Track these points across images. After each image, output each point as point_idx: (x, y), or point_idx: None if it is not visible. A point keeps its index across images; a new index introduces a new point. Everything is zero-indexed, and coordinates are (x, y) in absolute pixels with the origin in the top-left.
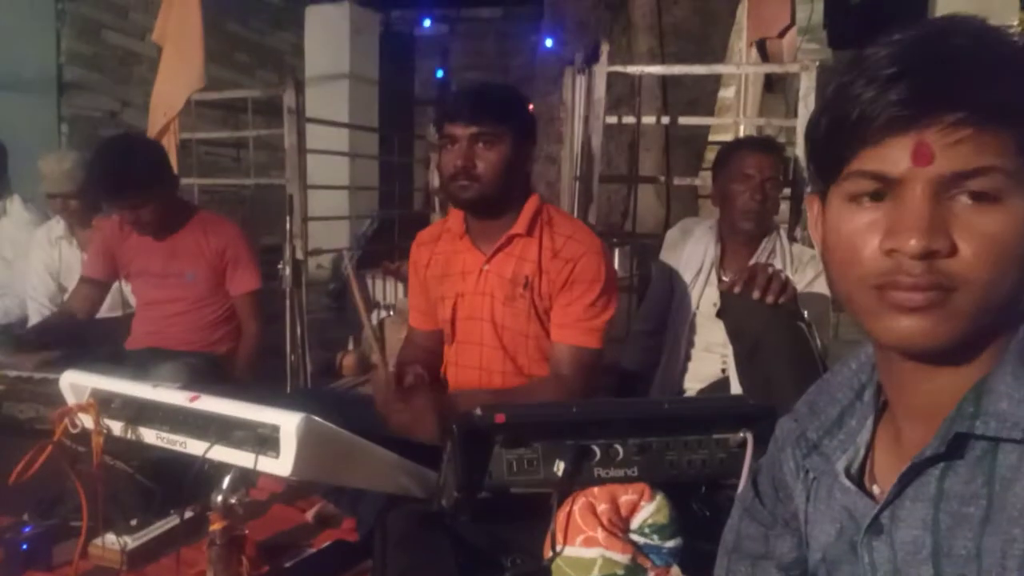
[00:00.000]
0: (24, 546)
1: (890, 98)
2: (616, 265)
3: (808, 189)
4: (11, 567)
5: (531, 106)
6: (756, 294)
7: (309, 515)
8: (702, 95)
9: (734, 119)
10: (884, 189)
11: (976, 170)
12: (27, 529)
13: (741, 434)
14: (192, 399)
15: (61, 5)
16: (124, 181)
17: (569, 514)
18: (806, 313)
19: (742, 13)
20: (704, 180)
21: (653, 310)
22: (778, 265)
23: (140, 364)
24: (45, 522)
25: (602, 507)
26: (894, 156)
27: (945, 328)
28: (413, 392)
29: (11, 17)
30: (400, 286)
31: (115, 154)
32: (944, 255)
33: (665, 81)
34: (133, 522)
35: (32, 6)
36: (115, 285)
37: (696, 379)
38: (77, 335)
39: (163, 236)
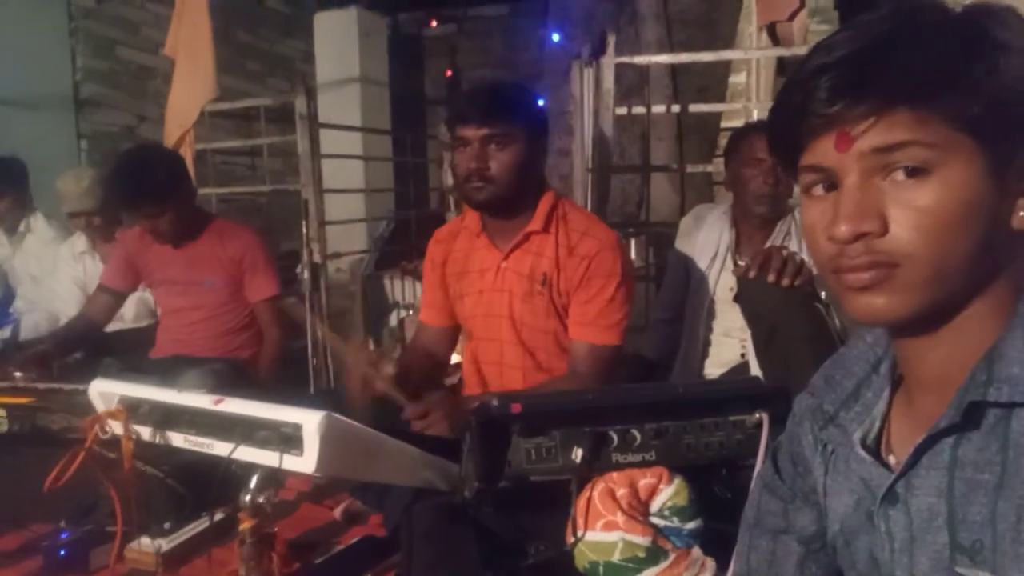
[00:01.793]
0: (62, 552)
1: (817, 96)
2: (632, 255)
3: None
4: (50, 573)
5: (541, 102)
6: (771, 277)
7: (337, 512)
8: (713, 82)
9: (744, 104)
10: (831, 179)
11: (894, 145)
12: (64, 535)
13: (757, 415)
14: (216, 402)
15: (74, 23)
16: (142, 191)
17: (589, 500)
18: (823, 294)
19: None
20: (718, 167)
21: (670, 298)
22: (793, 247)
23: (165, 372)
24: (81, 528)
25: (621, 491)
26: (824, 148)
27: (900, 301)
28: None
29: (26, 37)
30: (418, 285)
31: (133, 165)
32: (877, 235)
33: (675, 69)
34: (166, 525)
35: (46, 25)
36: (142, 295)
37: (716, 364)
38: (104, 346)
39: (181, 245)
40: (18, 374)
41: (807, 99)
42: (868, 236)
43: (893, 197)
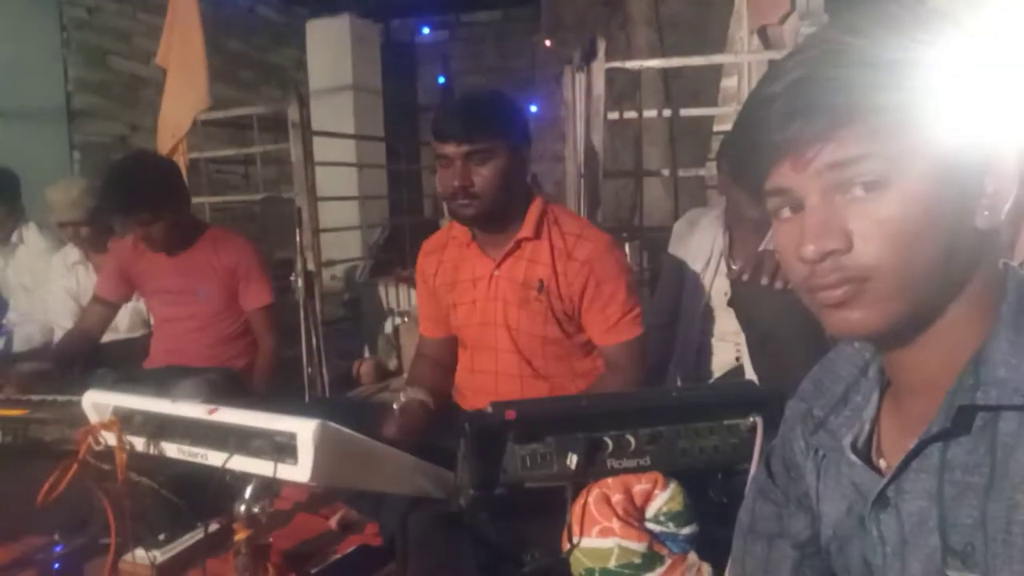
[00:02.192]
0: (56, 565)
1: (771, 122)
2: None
3: None
4: None
5: (533, 108)
6: (765, 281)
7: (333, 522)
8: (704, 86)
9: (736, 108)
10: (793, 201)
11: (847, 160)
12: (58, 548)
13: (751, 419)
14: (211, 412)
15: (66, 34)
16: (136, 198)
17: (584, 506)
18: None
19: (741, 1)
20: (710, 170)
21: (665, 302)
22: None
23: (159, 382)
24: (75, 540)
25: (616, 497)
26: (783, 171)
27: (874, 314)
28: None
29: (18, 48)
30: (413, 292)
31: (128, 172)
32: (844, 251)
33: (666, 74)
34: (161, 537)
35: (38, 36)
36: (135, 305)
37: (711, 368)
38: (98, 357)
39: (175, 253)
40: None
41: (762, 126)
42: (835, 253)
43: (854, 212)
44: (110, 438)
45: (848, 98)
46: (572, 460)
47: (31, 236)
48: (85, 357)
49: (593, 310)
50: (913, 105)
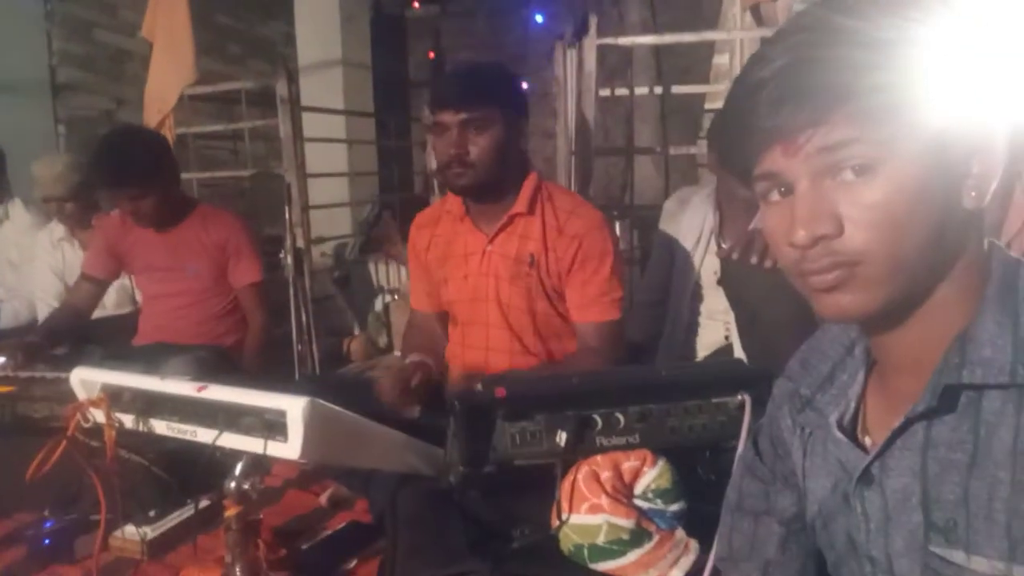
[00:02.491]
0: (46, 541)
1: (760, 108)
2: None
3: None
4: (35, 562)
5: (524, 84)
6: (754, 259)
7: (323, 499)
8: (696, 63)
9: (728, 85)
10: (785, 184)
11: (837, 144)
12: (48, 524)
13: (739, 397)
14: (199, 389)
15: (50, 6)
16: (125, 173)
17: (573, 483)
18: None
19: None
20: (701, 148)
21: (655, 281)
22: None
23: (149, 359)
24: (65, 517)
25: (605, 474)
26: (773, 155)
27: (866, 298)
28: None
29: (0, 21)
30: (403, 270)
31: (117, 145)
32: (834, 236)
33: (658, 51)
34: (151, 513)
35: (20, 8)
36: (122, 282)
37: (700, 347)
38: (86, 334)
39: (164, 229)
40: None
41: (752, 112)
42: (826, 238)
43: (844, 197)
44: (99, 415)
45: (838, 80)
46: (561, 438)
47: (17, 212)
48: (74, 334)
49: (574, 284)
50: (904, 87)
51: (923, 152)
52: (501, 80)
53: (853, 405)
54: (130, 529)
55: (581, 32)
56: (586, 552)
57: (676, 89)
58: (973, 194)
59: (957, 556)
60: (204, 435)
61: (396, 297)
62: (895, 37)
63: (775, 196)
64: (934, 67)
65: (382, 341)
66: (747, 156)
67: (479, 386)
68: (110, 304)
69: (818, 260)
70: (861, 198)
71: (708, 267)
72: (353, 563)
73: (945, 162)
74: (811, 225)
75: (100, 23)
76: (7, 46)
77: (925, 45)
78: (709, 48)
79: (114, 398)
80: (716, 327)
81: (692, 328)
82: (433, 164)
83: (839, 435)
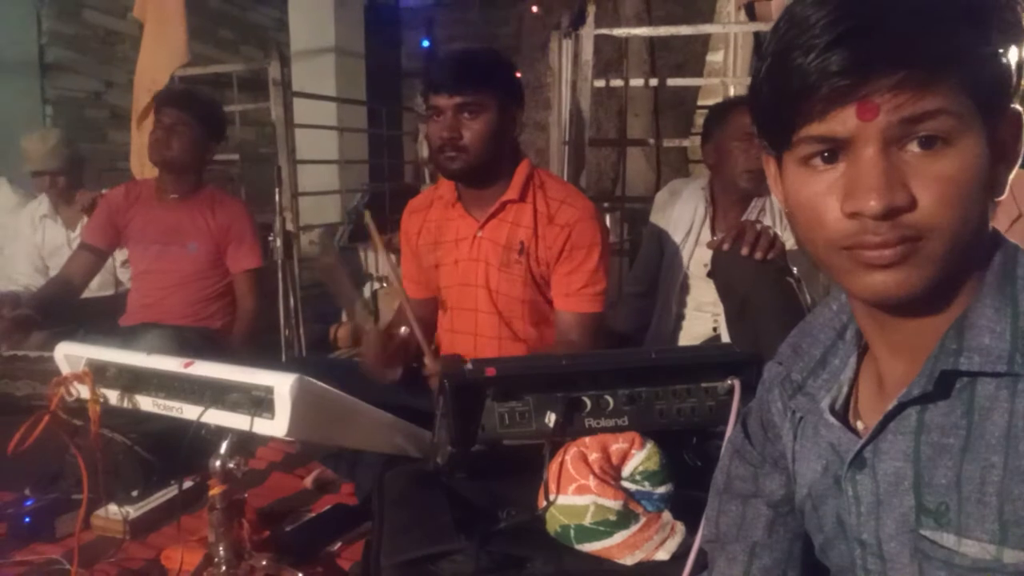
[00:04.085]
0: (27, 519)
1: (831, 69)
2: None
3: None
4: (15, 540)
5: (518, 73)
6: (745, 250)
7: (308, 481)
8: (690, 59)
9: (722, 80)
10: (836, 149)
11: (924, 114)
12: (29, 503)
13: (729, 381)
14: (186, 365)
15: None
16: (192, 97)
17: (561, 464)
18: (795, 269)
19: None
20: (694, 143)
21: (644, 272)
22: (767, 223)
23: (134, 338)
24: (47, 496)
25: (593, 456)
26: (841, 116)
27: (919, 276)
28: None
29: None
30: (392, 258)
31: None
32: (906, 208)
33: (653, 46)
34: (134, 493)
35: None
36: (107, 264)
37: (688, 339)
38: (70, 314)
39: (171, 198)
40: None
41: (823, 64)
42: (897, 212)
43: (916, 169)
44: (83, 390)
45: (947, 45)
46: (550, 419)
47: (2, 191)
48: (65, 306)
49: (559, 273)
50: (986, 66)
51: (984, 133)
52: (497, 66)
53: (845, 390)
54: (112, 508)
55: (578, 22)
56: (572, 533)
57: (671, 82)
58: (1000, 180)
59: (948, 539)
60: (190, 412)
61: (384, 285)
62: (985, 13)
63: (818, 162)
64: (1003, 51)
65: (369, 328)
66: (793, 117)
67: (469, 365)
68: (94, 286)
69: (884, 233)
70: (933, 171)
71: (698, 259)
72: (337, 545)
73: (997, 142)
74: (887, 194)
75: (90, 3)
76: None
77: (1000, 28)
78: (703, 45)
79: (99, 373)
80: (704, 319)
81: (680, 320)
82: (425, 153)
83: (831, 419)
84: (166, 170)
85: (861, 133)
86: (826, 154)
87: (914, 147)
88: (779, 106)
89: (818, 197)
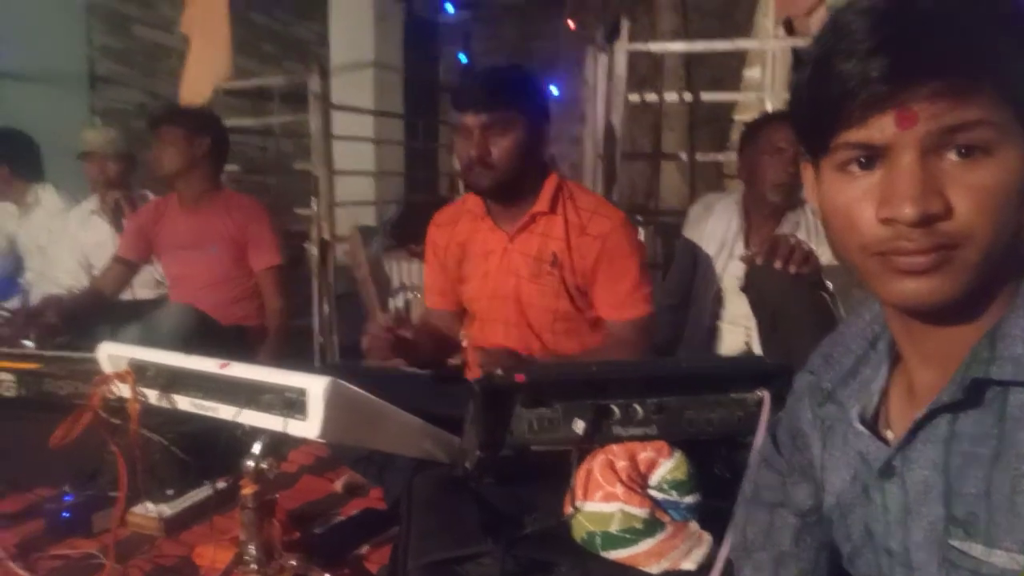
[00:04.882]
0: (65, 514)
1: (870, 75)
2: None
3: None
4: (53, 534)
5: (553, 89)
6: (778, 264)
7: (338, 485)
8: (726, 74)
9: (758, 95)
10: (873, 155)
11: (964, 124)
12: (68, 498)
13: (758, 392)
14: (222, 366)
15: (91, 0)
16: (187, 112)
17: (589, 471)
18: (830, 285)
19: None
20: (729, 157)
21: (677, 285)
22: (802, 237)
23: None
24: (85, 492)
25: (621, 463)
26: (879, 123)
27: (952, 284)
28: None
29: (41, 12)
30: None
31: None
32: (942, 216)
33: (689, 61)
34: (169, 492)
35: (62, 2)
36: (151, 268)
37: (720, 352)
38: (109, 315)
39: (188, 206)
40: (29, 343)
41: (862, 71)
42: (933, 219)
43: (953, 177)
44: (124, 389)
45: (972, 58)
46: (579, 426)
47: (48, 196)
48: (94, 316)
49: (603, 285)
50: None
51: (1022, 141)
52: (522, 82)
53: (876, 399)
54: (148, 506)
55: (612, 36)
56: (599, 540)
57: (706, 96)
58: None
59: (976, 549)
60: (225, 412)
61: (418, 295)
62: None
63: (855, 168)
64: None
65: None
66: (832, 123)
67: (499, 371)
68: (136, 284)
69: (918, 240)
70: (971, 180)
71: (731, 272)
72: (365, 548)
73: None
74: (922, 202)
75: (139, 18)
76: (49, 38)
77: None
78: (740, 60)
79: (139, 373)
80: (737, 333)
81: (713, 333)
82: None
83: (860, 427)
84: (169, 183)
85: (899, 140)
86: (863, 160)
87: (952, 155)
88: (818, 111)
89: (853, 202)
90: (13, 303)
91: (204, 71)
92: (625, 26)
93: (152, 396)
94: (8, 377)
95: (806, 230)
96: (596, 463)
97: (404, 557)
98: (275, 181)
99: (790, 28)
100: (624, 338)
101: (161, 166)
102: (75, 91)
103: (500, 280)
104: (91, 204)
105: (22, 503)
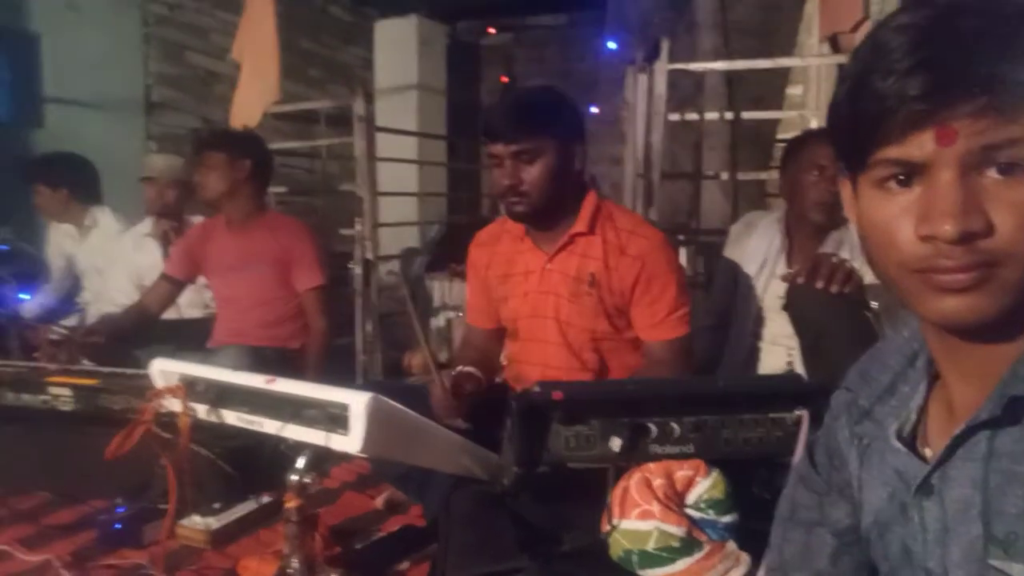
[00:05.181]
0: (117, 526)
1: (909, 93)
2: (683, 264)
3: None
4: (105, 545)
5: (594, 109)
6: (819, 283)
7: (378, 502)
8: (769, 92)
9: (801, 113)
10: (911, 172)
11: (1005, 142)
12: (120, 510)
13: (797, 412)
14: (268, 381)
15: (148, 29)
16: (224, 135)
17: (626, 489)
18: (875, 304)
19: (812, 7)
20: (772, 176)
21: (717, 304)
22: (845, 256)
23: (215, 357)
24: (136, 504)
25: (658, 482)
26: (918, 141)
27: (991, 303)
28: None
29: (101, 42)
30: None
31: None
32: (982, 234)
33: (730, 80)
34: (216, 505)
35: (121, 31)
36: (198, 286)
37: (762, 372)
38: (161, 334)
39: (235, 227)
40: (86, 362)
41: (901, 88)
42: (973, 237)
43: (994, 194)
44: (175, 404)
45: (1012, 76)
46: (615, 443)
47: (105, 219)
48: (138, 333)
49: (641, 305)
50: None
51: None
52: (548, 107)
53: (914, 417)
54: (196, 519)
55: (652, 56)
56: (635, 558)
57: (747, 115)
58: None
59: (1016, 569)
60: (270, 426)
61: (459, 314)
62: None
63: (894, 185)
64: None
65: (443, 357)
66: (870, 139)
67: (536, 387)
68: (183, 302)
69: (958, 258)
70: (1012, 198)
71: (773, 292)
72: (405, 565)
73: None
74: (963, 220)
75: (193, 46)
76: (108, 67)
77: None
78: (782, 78)
79: (190, 388)
80: (779, 353)
81: (754, 353)
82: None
83: (898, 445)
84: (214, 206)
85: (938, 158)
86: (902, 177)
87: (993, 173)
88: (856, 128)
89: (892, 219)
90: (71, 321)
91: (254, 96)
92: (665, 45)
93: (201, 411)
94: (65, 392)
95: (849, 249)
96: (633, 481)
97: (443, 572)
98: (321, 202)
99: (835, 44)
100: (662, 359)
101: (205, 190)
102: (132, 117)
103: (539, 300)
104: (145, 227)
105: (76, 514)
